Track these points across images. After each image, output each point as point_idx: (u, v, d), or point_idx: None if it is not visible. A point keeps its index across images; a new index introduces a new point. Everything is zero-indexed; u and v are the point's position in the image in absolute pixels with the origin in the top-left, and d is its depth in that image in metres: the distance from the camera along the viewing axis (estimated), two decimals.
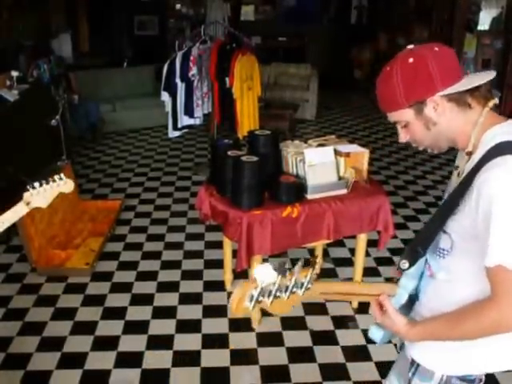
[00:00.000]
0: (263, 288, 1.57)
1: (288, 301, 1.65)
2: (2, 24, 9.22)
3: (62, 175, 2.32)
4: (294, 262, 4.72)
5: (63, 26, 11.39)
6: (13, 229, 4.76)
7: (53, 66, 7.19)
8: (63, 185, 2.32)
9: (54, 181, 2.29)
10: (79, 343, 3.95)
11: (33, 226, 4.86)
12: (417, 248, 1.77)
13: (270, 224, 3.63)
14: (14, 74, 6.02)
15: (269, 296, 1.60)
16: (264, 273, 1.58)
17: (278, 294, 1.61)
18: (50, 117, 6.32)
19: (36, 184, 2.25)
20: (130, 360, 3.76)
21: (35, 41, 10.06)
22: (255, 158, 3.67)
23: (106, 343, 3.94)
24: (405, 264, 1.77)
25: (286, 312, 1.71)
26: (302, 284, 1.65)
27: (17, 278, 4.84)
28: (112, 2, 12.33)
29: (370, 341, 3.91)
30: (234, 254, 4.24)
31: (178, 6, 13.04)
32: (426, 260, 1.83)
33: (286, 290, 1.63)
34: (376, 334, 1.93)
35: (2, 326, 4.18)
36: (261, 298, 1.59)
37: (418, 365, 1.93)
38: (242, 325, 4.10)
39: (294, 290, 1.65)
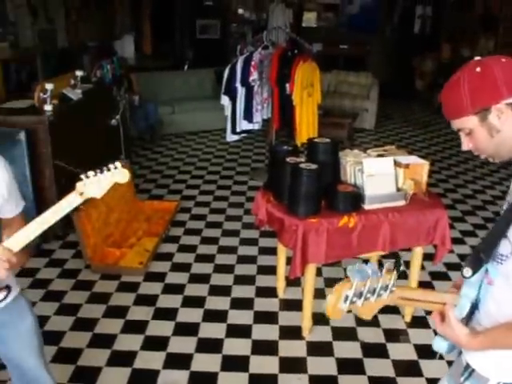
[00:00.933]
0: (356, 288, 1.58)
1: (374, 304, 1.66)
2: (69, 25, 9.45)
3: (116, 164, 2.11)
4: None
5: (127, 27, 11.61)
6: (69, 225, 4.89)
7: (116, 66, 7.28)
8: (118, 174, 2.12)
9: (108, 170, 2.09)
10: (129, 342, 3.98)
11: (89, 224, 4.94)
12: (480, 255, 1.77)
13: (326, 233, 3.59)
14: (79, 73, 6.11)
15: (360, 297, 1.61)
16: (357, 272, 1.58)
17: (368, 295, 1.62)
18: (110, 116, 6.42)
19: (90, 173, 2.07)
20: (178, 361, 3.77)
21: (99, 42, 10.28)
22: (314, 166, 3.63)
23: (155, 343, 3.96)
24: (468, 271, 1.76)
25: (370, 316, 1.71)
26: (387, 287, 1.65)
27: (71, 273, 4.92)
28: (175, 6, 12.50)
29: (421, 356, 3.85)
30: (288, 261, 4.21)
31: (240, 11, 13.11)
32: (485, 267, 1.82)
33: (373, 293, 1.63)
34: (440, 344, 1.91)
35: (55, 320, 4.25)
36: (354, 299, 1.60)
37: (473, 370, 1.89)
38: (292, 333, 4.05)
39: (381, 292, 1.65)
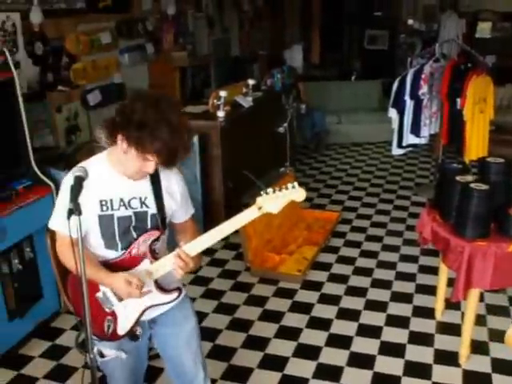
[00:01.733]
0: None
1: None
2: (242, 35, 9.79)
3: (295, 184, 2.26)
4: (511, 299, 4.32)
5: (297, 37, 11.80)
6: None
7: (286, 75, 7.42)
8: (295, 193, 2.25)
9: (286, 188, 2.24)
10: (282, 347, 4.03)
11: (252, 227, 5.07)
12: None
13: (494, 257, 3.41)
14: (251, 82, 6.32)
15: None
16: None
17: None
18: (278, 124, 6.55)
19: (269, 190, 2.23)
20: (329, 373, 3.76)
21: (269, 51, 10.55)
22: (485, 187, 3.47)
23: (307, 351, 3.98)
24: None
25: None
26: None
27: (231, 274, 5.10)
28: (345, 16, 12.52)
29: None
30: (449, 282, 4.08)
31: (410, 21, 12.82)
32: None
33: None
34: None
35: (213, 317, 4.43)
36: None
37: None
38: (448, 358, 3.89)
39: None
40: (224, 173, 5.52)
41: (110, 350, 2.46)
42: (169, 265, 2.34)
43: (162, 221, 2.40)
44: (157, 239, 2.40)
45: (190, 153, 2.29)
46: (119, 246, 2.37)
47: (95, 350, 2.22)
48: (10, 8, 4.53)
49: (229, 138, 5.50)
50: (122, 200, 2.33)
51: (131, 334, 2.46)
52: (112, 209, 2.32)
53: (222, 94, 5.51)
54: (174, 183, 2.46)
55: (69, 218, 1.99)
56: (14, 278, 3.93)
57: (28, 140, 4.04)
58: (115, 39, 6.07)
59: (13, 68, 3.89)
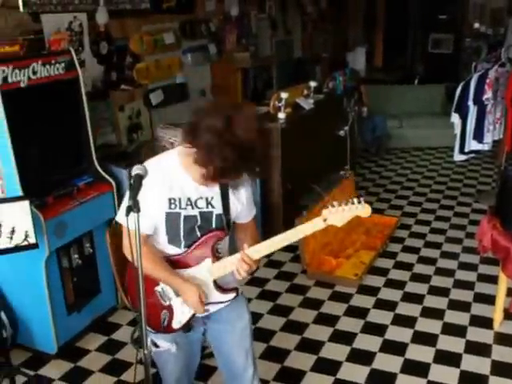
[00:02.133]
0: None
1: None
2: (305, 37, 9.78)
3: (361, 199, 2.32)
4: None
5: (360, 40, 11.71)
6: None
7: (348, 78, 7.37)
8: (361, 208, 2.31)
9: (352, 203, 2.30)
10: (335, 351, 4.02)
11: None
12: None
13: None
14: (312, 84, 6.31)
15: None
16: None
17: None
18: (338, 127, 6.51)
19: (335, 203, 2.30)
20: (382, 379, 3.73)
21: (332, 53, 10.50)
22: None
23: (361, 356, 3.95)
24: None
25: None
26: None
27: (288, 276, 5.10)
28: (409, 20, 12.35)
29: None
30: (509, 292, 4.00)
31: (476, 25, 12.53)
32: None
33: None
34: None
35: (267, 318, 4.44)
36: None
37: None
38: (506, 370, 3.78)
39: None
40: (283, 174, 5.52)
41: (164, 342, 2.51)
42: (230, 266, 2.38)
43: (226, 222, 2.44)
44: (220, 240, 2.44)
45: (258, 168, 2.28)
46: (182, 243, 2.41)
47: (149, 340, 2.26)
48: (77, 9, 4.64)
49: (289, 140, 5.50)
50: (189, 199, 2.36)
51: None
52: (180, 207, 2.36)
53: (283, 95, 5.52)
54: (240, 184, 2.47)
55: (127, 214, 2.02)
56: (73, 273, 4.03)
57: (91, 137, 4.14)
58: (178, 39, 6.14)
59: (78, 67, 4.00)
